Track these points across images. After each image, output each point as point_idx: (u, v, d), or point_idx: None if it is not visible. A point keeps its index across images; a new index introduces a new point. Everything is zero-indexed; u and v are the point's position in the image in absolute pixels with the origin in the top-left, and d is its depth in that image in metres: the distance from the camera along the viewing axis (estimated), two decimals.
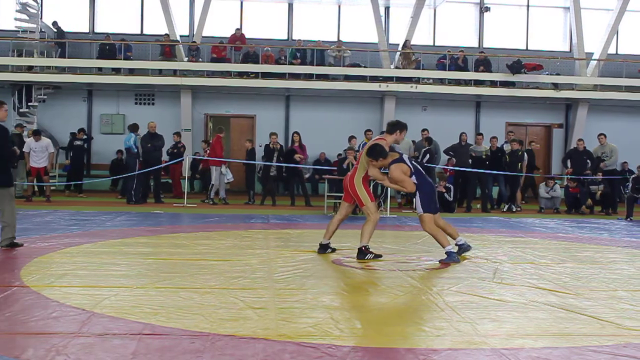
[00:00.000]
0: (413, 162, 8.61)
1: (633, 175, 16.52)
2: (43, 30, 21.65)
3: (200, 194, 20.07)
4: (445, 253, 8.28)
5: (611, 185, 17.45)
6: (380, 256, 8.41)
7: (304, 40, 22.36)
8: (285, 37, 23.41)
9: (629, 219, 15.42)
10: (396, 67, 22.10)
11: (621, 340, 4.80)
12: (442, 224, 8.61)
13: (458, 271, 7.56)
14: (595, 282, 7.09)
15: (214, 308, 5.44)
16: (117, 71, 21.49)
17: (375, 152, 8.29)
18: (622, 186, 17.80)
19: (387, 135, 8.68)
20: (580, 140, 18.32)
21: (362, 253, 8.32)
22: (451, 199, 16.43)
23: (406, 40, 22.00)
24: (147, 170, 16.46)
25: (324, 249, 8.74)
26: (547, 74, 22.19)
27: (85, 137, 19.07)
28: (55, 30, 21.49)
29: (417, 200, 8.42)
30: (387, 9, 23.66)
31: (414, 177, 8.39)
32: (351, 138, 16.52)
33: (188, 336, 4.61)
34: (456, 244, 8.64)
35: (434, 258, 8.44)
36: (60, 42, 21.40)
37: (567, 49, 23.87)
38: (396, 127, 8.66)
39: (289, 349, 4.38)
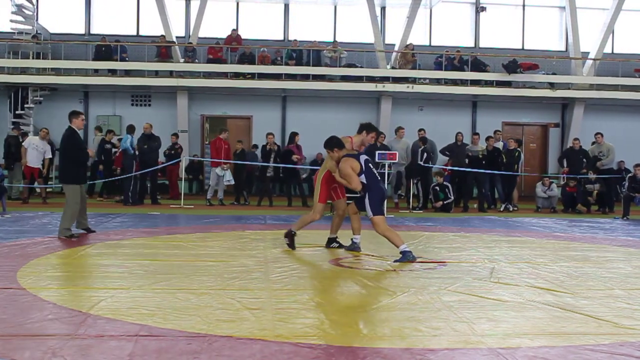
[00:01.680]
0: (370, 165, 8.67)
1: (629, 174, 16.53)
2: (39, 32, 21.61)
3: (197, 195, 20.07)
4: (400, 252, 8.25)
5: (607, 184, 17.48)
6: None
7: (300, 41, 22.35)
8: (282, 38, 23.40)
9: (625, 218, 15.43)
10: (392, 68, 22.11)
11: (618, 339, 4.81)
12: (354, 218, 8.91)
13: (455, 271, 7.56)
14: (592, 281, 7.10)
15: (211, 309, 5.44)
16: (113, 72, 21.44)
17: (332, 143, 8.63)
18: (618, 185, 17.82)
19: (355, 135, 9.04)
20: (576, 139, 18.34)
21: (287, 236, 8.97)
22: (452, 198, 16.45)
23: (409, 44, 22.03)
24: (143, 171, 16.44)
25: (329, 242, 9.27)
26: (543, 74, 22.20)
27: (114, 138, 18.59)
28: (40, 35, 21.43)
29: (366, 203, 8.48)
30: (383, 9, 23.67)
31: (363, 176, 8.49)
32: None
33: (185, 337, 4.61)
34: (352, 239, 8.94)
35: (430, 258, 8.45)
36: (56, 43, 21.38)
37: (563, 49, 23.87)
38: (363, 127, 9.06)
39: (285, 349, 4.38)
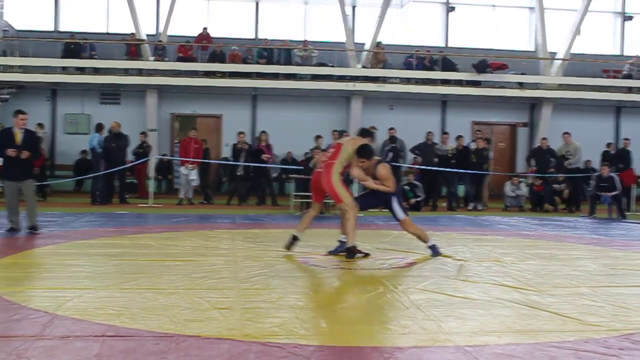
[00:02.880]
0: None
1: (596, 174, 16.75)
2: (5, 28, 21.30)
3: (165, 194, 19.95)
4: (429, 247, 8.56)
5: (574, 183, 17.69)
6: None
7: (270, 40, 22.31)
8: (252, 36, 23.33)
9: (591, 217, 15.64)
10: (363, 67, 22.15)
11: (582, 336, 4.87)
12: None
13: (423, 269, 7.60)
14: (558, 279, 7.18)
15: (179, 309, 5.40)
16: (81, 70, 21.21)
17: (367, 152, 8.50)
18: (584, 184, 18.04)
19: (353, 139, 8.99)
20: (544, 138, 18.55)
21: (351, 252, 8.35)
22: (422, 196, 16.53)
23: (379, 42, 22.11)
24: (111, 170, 16.30)
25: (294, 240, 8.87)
26: (513, 74, 22.42)
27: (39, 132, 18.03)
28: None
29: (394, 205, 8.58)
30: (353, 8, 23.70)
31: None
32: (318, 137, 16.54)
33: (152, 337, 4.58)
34: (340, 241, 8.78)
35: (400, 257, 8.49)
36: (23, 40, 21.10)
37: (532, 49, 24.10)
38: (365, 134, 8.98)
39: (254, 349, 4.37)
